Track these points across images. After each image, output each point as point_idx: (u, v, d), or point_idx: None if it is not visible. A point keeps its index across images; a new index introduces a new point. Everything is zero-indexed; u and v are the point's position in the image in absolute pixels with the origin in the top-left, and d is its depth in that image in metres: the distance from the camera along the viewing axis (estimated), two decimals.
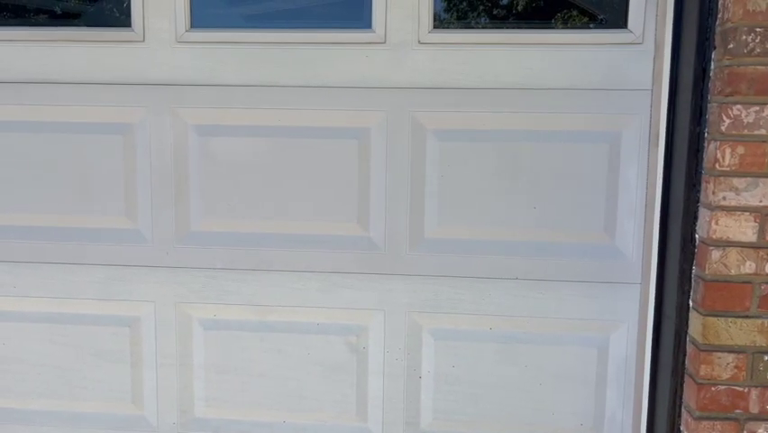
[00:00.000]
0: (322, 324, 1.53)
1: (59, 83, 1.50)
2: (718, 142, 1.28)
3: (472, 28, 1.45)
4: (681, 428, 1.38)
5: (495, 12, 1.42)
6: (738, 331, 1.30)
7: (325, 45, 1.45)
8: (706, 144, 1.31)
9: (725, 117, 1.27)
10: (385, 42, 1.44)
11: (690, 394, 1.35)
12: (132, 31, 1.48)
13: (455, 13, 1.43)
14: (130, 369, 1.58)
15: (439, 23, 1.45)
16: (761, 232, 1.28)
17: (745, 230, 1.28)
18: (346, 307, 1.52)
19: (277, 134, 1.48)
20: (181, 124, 1.50)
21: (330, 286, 1.51)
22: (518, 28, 1.43)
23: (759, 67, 1.25)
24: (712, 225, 1.29)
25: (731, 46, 1.25)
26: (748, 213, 1.28)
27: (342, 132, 1.47)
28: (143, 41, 1.47)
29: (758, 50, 1.24)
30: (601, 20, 1.42)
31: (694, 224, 1.34)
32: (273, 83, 1.46)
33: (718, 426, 1.33)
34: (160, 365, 1.57)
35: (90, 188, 1.53)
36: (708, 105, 1.30)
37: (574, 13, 1.43)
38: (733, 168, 1.28)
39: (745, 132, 1.27)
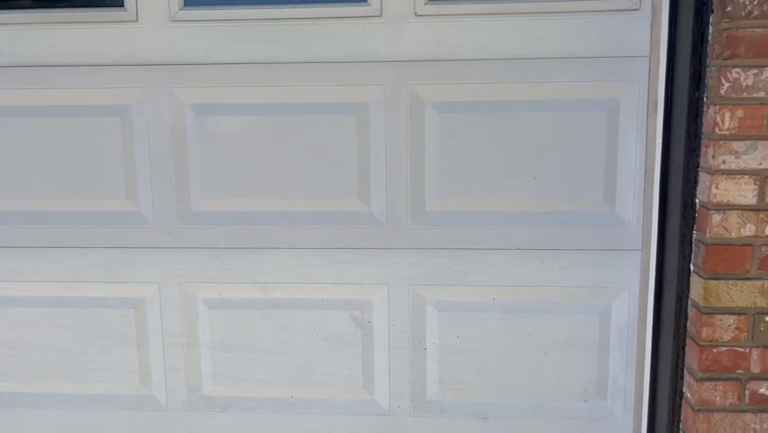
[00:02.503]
0: (326, 299, 1.52)
1: (52, 66, 1.46)
2: (718, 107, 1.26)
3: None
4: (684, 390, 1.39)
5: None
6: (739, 293, 1.30)
7: (321, 20, 1.42)
8: (705, 109, 1.29)
9: (724, 81, 1.25)
10: (381, 15, 1.41)
11: (692, 356, 1.35)
12: (125, 10, 1.45)
13: None
14: (137, 350, 1.57)
15: None
16: (760, 194, 1.27)
17: (745, 193, 1.27)
18: (350, 282, 1.51)
19: (274, 112, 1.46)
20: (178, 103, 1.47)
21: (333, 262, 1.50)
22: None
23: (757, 29, 1.22)
24: (712, 189, 1.28)
25: (729, 9, 1.23)
26: (748, 176, 1.27)
27: (340, 107, 1.44)
28: (137, 20, 1.44)
29: (756, 13, 1.22)
30: None
31: (694, 188, 1.33)
32: (269, 60, 1.44)
33: (720, 386, 1.33)
34: (167, 345, 1.56)
35: (90, 171, 1.50)
36: (707, 69, 1.28)
37: None
38: (732, 131, 1.26)
39: (744, 95, 1.25)
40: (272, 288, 1.53)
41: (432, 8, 1.41)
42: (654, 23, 1.37)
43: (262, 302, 1.53)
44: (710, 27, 1.27)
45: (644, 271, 1.45)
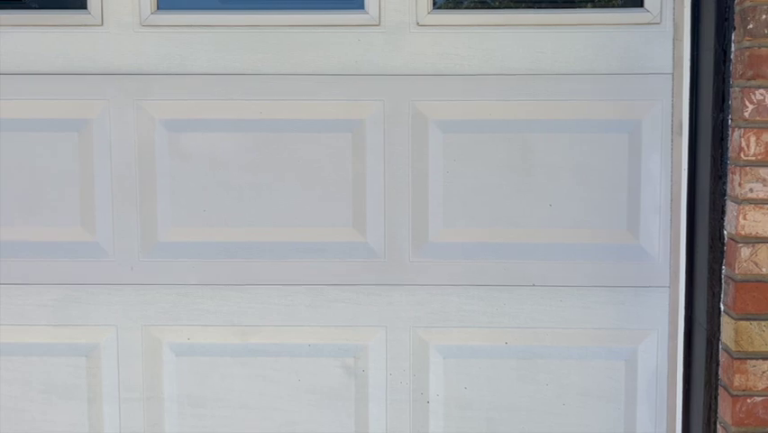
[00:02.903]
0: (314, 345, 1.87)
1: (3, 74, 1.81)
2: (742, 130, 1.66)
3: (476, 8, 1.82)
4: None
5: None
6: None
7: (312, 28, 1.81)
8: (730, 132, 1.69)
9: (748, 103, 1.65)
10: (379, 25, 1.81)
11: (724, 408, 1.72)
12: (89, 13, 1.82)
13: None
14: (87, 406, 1.88)
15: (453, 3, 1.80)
16: None
17: None
18: (342, 324, 1.87)
19: (258, 129, 1.83)
20: (147, 118, 1.84)
21: (323, 301, 1.86)
22: (526, 8, 1.81)
23: None
24: (740, 220, 1.67)
25: (751, 26, 1.64)
26: None
27: (333, 124, 1.83)
28: (102, 24, 1.81)
29: None
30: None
31: (722, 219, 1.73)
32: (253, 71, 1.82)
33: None
34: (124, 400, 1.88)
35: (39, 194, 1.84)
36: (731, 89, 1.69)
37: None
38: (759, 157, 1.66)
39: None
40: (251, 331, 1.87)
41: (436, 17, 1.81)
42: (677, 38, 1.79)
43: (239, 348, 1.87)
44: (732, 45, 1.69)
45: (673, 312, 1.84)
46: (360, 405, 1.88)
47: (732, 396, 1.69)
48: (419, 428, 1.88)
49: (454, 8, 1.84)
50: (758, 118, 1.66)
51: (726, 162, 1.72)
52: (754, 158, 1.67)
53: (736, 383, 1.68)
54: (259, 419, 1.88)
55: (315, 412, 1.88)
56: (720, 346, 1.74)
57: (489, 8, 1.84)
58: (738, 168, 1.68)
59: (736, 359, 1.68)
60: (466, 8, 1.85)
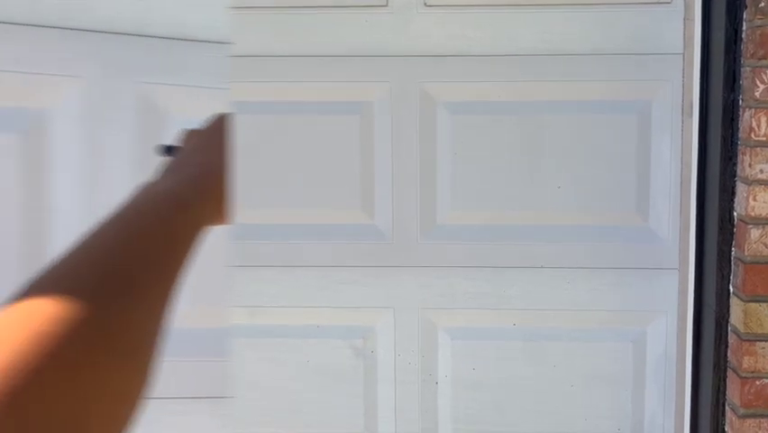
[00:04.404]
0: (322, 326, 1.92)
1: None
2: (753, 110, 1.69)
3: None
4: (726, 429, 1.78)
5: None
6: None
7: (318, 9, 1.84)
8: (741, 112, 1.72)
9: (759, 82, 1.68)
10: (387, 5, 1.84)
11: (733, 390, 1.75)
12: None
13: None
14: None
15: None
16: None
17: None
18: (350, 306, 1.92)
19: (267, 111, 1.88)
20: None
21: (331, 282, 1.91)
22: None
23: None
24: (750, 202, 1.70)
25: (762, 5, 1.66)
26: None
27: (340, 106, 1.86)
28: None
29: None
30: None
31: (732, 200, 1.75)
32: (258, 53, 1.85)
33: (765, 424, 1.73)
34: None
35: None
36: (742, 69, 1.71)
37: None
38: None
39: None
40: (258, 312, 1.93)
41: None
42: (687, 18, 1.81)
43: (249, 329, 1.92)
44: (744, 24, 1.70)
45: (682, 294, 1.87)
46: (368, 386, 1.93)
47: (741, 378, 1.73)
48: (428, 408, 1.93)
49: None
50: None
51: (737, 143, 1.74)
52: (764, 138, 1.70)
53: (744, 365, 1.72)
54: (266, 399, 1.93)
55: (324, 394, 1.92)
56: (729, 328, 1.78)
57: None
58: (749, 149, 1.71)
59: (744, 341, 1.72)
60: None
